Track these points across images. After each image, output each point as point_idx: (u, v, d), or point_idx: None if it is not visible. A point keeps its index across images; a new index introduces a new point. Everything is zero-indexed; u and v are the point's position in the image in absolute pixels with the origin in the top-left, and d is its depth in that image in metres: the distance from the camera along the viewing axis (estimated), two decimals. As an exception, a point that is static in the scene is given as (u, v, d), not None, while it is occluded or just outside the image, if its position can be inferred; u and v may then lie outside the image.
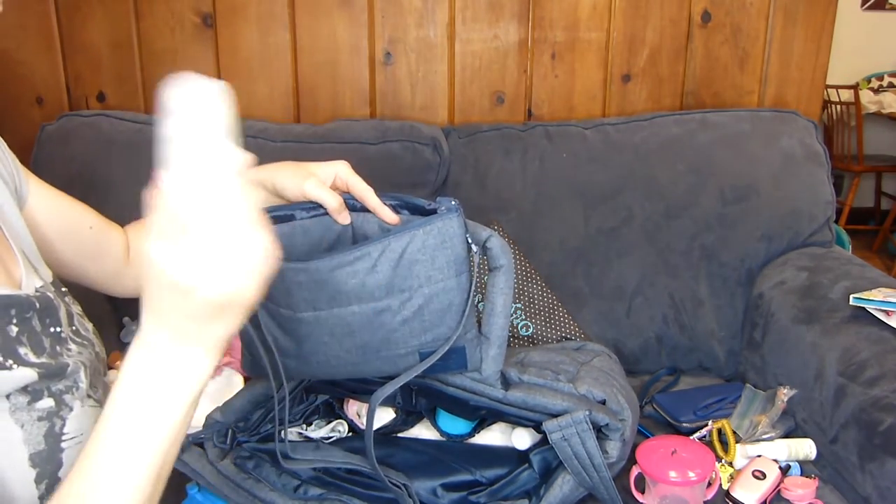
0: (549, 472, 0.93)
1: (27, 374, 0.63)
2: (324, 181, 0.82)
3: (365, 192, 0.82)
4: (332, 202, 0.80)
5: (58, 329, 0.71)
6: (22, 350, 0.65)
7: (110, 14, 1.64)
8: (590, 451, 0.87)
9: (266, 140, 1.49)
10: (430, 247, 0.79)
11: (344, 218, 0.82)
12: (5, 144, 0.79)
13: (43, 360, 0.66)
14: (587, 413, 0.87)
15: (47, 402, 0.65)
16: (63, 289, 0.77)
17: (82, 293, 0.83)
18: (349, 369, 0.86)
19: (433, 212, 0.81)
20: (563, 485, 0.89)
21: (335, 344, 0.84)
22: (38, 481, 0.63)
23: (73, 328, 0.74)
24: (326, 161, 0.84)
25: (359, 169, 1.32)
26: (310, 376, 0.95)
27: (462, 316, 0.83)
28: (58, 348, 0.69)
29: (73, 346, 0.72)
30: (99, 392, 0.73)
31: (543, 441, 0.93)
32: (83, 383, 0.70)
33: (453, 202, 0.80)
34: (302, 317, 0.83)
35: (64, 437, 0.66)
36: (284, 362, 0.85)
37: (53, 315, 0.71)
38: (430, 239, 0.79)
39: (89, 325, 0.78)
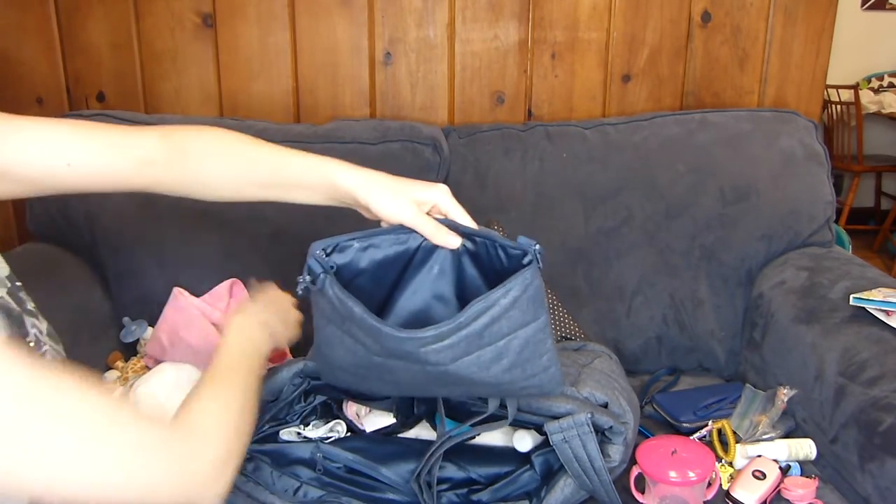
0: (550, 474, 0.93)
1: None
2: (421, 207, 0.80)
3: (466, 221, 0.81)
4: (434, 232, 0.79)
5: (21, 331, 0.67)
6: None
7: (110, 14, 1.64)
8: (590, 453, 0.87)
9: (266, 140, 1.49)
10: (523, 299, 0.76)
11: (452, 241, 0.80)
12: None
13: None
14: (589, 415, 0.87)
15: None
16: (18, 283, 0.72)
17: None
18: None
19: (517, 256, 0.78)
20: (564, 487, 0.89)
21: (435, 388, 0.83)
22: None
23: (32, 335, 0.70)
24: (424, 182, 0.82)
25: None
26: (399, 396, 0.98)
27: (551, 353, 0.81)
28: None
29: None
30: None
31: (545, 443, 0.93)
32: None
33: (536, 246, 0.77)
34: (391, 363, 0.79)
35: None
36: (370, 382, 0.85)
37: (15, 321, 0.67)
38: (523, 292, 0.76)
39: (43, 325, 0.73)
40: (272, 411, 0.96)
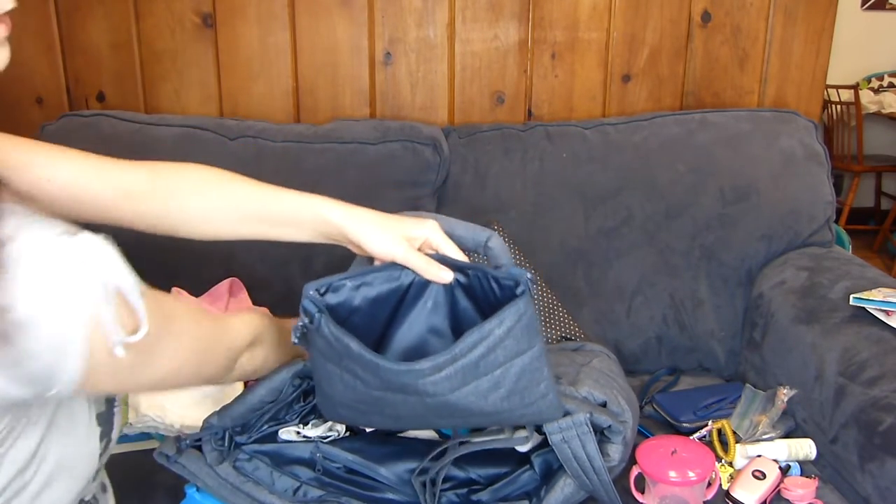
0: (550, 474, 0.93)
1: None
2: (411, 243, 0.81)
3: (457, 256, 0.83)
4: (426, 267, 0.80)
5: None
6: None
7: (110, 14, 1.64)
8: (590, 453, 0.87)
9: (266, 140, 1.49)
10: (517, 328, 0.78)
11: (444, 276, 0.81)
12: None
13: None
14: (588, 415, 0.87)
15: None
16: None
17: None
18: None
19: (509, 286, 0.80)
20: (564, 487, 0.89)
21: (436, 420, 0.84)
22: (101, 438, 0.70)
23: None
24: (414, 218, 0.83)
25: (358, 169, 1.33)
26: (399, 429, 0.98)
27: (549, 381, 0.82)
28: None
29: None
30: None
31: (544, 443, 0.93)
32: None
33: (529, 275, 0.79)
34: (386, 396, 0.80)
35: (115, 404, 0.73)
36: (370, 417, 0.85)
37: None
38: (517, 322, 0.78)
39: None
40: (271, 411, 0.96)
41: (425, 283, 0.84)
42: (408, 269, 0.82)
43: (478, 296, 0.83)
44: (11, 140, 0.79)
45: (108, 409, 0.72)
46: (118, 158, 0.83)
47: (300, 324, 0.80)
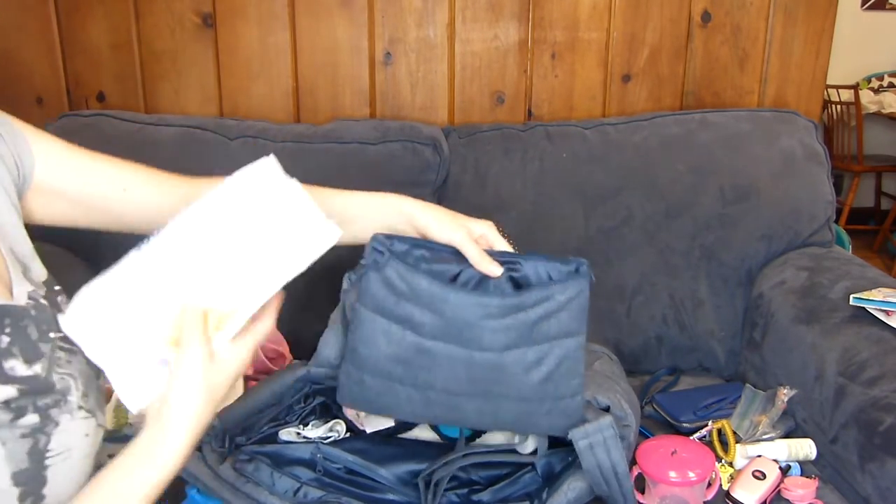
0: (552, 477, 0.93)
1: (4, 392, 0.62)
2: (470, 234, 0.86)
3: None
4: (479, 259, 0.84)
5: (57, 334, 0.69)
6: (8, 364, 0.63)
7: (110, 14, 1.64)
8: (614, 459, 0.86)
9: (266, 140, 1.49)
10: (574, 304, 0.82)
11: (494, 270, 0.84)
12: (13, 121, 0.78)
13: (36, 369, 0.65)
14: (612, 420, 0.87)
15: (31, 419, 0.63)
16: (56, 287, 0.75)
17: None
18: (471, 416, 0.87)
19: (570, 270, 0.84)
20: (568, 491, 0.89)
21: (467, 396, 0.85)
22: (21, 499, 0.62)
23: (62, 334, 0.70)
24: (473, 218, 0.89)
25: (359, 169, 1.33)
26: (419, 417, 0.95)
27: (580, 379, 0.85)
28: (58, 354, 0.68)
29: (61, 355, 0.69)
30: (91, 400, 0.70)
31: (549, 446, 0.93)
32: (73, 396, 0.68)
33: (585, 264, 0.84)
34: (432, 345, 0.82)
35: (48, 455, 0.64)
36: (398, 389, 0.85)
37: (51, 320, 0.69)
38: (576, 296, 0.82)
39: None
40: (272, 413, 0.96)
41: (475, 274, 0.86)
42: (462, 257, 0.85)
43: (531, 286, 0.85)
44: (83, 153, 0.83)
45: (34, 464, 0.63)
46: (172, 172, 0.88)
47: (359, 266, 0.83)
